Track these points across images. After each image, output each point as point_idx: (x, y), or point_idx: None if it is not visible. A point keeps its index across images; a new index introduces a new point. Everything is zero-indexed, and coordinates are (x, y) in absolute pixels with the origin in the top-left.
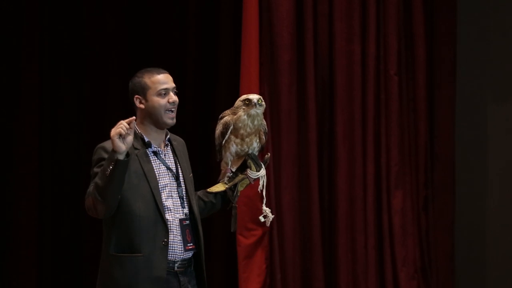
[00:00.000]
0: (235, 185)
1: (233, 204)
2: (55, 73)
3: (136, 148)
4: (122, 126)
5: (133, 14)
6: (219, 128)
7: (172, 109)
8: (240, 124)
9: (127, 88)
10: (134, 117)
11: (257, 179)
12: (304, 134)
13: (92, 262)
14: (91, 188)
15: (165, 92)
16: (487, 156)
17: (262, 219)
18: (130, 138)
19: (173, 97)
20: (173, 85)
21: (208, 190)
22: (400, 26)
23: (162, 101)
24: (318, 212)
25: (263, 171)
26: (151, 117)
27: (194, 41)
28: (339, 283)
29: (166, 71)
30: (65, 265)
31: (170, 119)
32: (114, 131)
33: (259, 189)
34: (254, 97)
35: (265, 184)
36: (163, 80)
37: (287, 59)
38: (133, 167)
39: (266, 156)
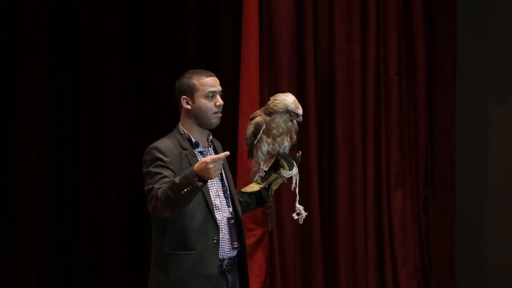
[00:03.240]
0: (269, 185)
1: (269, 204)
2: (55, 73)
3: (184, 148)
4: (221, 163)
5: (133, 14)
6: (250, 128)
7: (218, 112)
8: (273, 125)
9: (127, 88)
10: (228, 152)
11: (290, 178)
12: (304, 134)
13: (92, 262)
14: (158, 192)
15: (212, 95)
16: (487, 156)
17: (296, 217)
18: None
19: (220, 101)
20: (220, 88)
21: (243, 190)
22: (400, 26)
23: (210, 104)
24: (318, 212)
25: (295, 170)
26: (197, 118)
27: (194, 41)
28: (339, 283)
29: (214, 74)
30: (65, 265)
31: (216, 119)
32: (216, 167)
33: (292, 188)
34: (301, 112)
35: (298, 182)
36: (211, 83)
37: (287, 59)
38: (184, 167)
39: (298, 154)
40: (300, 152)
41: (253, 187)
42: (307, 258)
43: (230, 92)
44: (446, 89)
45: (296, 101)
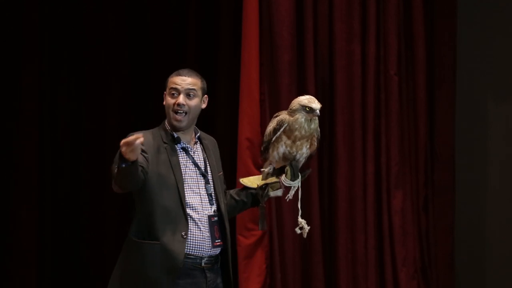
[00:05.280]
0: (266, 186)
1: (261, 204)
2: (55, 73)
3: (165, 143)
4: (138, 144)
5: (133, 14)
6: (272, 124)
7: (179, 111)
8: (296, 126)
9: (127, 88)
10: (141, 138)
11: (289, 188)
12: None
13: (92, 262)
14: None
15: (174, 92)
16: (487, 156)
17: (299, 231)
18: (138, 152)
19: (179, 99)
20: (187, 87)
21: (242, 180)
22: (400, 26)
23: (170, 101)
24: (318, 212)
25: (296, 183)
26: (167, 116)
27: (194, 41)
28: (339, 283)
29: (189, 74)
30: (65, 265)
31: (174, 120)
32: (129, 150)
33: (286, 198)
34: (317, 106)
35: (300, 196)
36: (177, 81)
37: (287, 59)
38: (162, 158)
39: (307, 170)
40: (310, 169)
41: (252, 182)
42: (307, 258)
43: (230, 92)
44: (446, 89)
45: (312, 98)
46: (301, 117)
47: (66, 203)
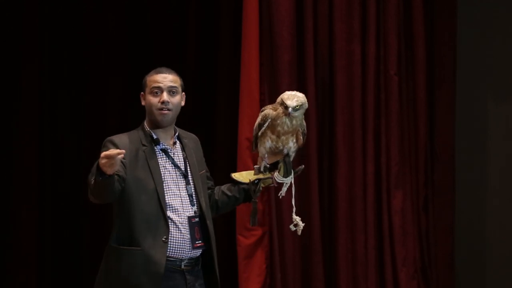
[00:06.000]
0: (259, 181)
1: (253, 200)
2: (55, 73)
3: (144, 145)
4: (119, 159)
5: (133, 14)
6: (258, 119)
7: (163, 108)
8: (278, 121)
9: (127, 89)
10: (123, 154)
11: (281, 184)
12: None
13: (92, 262)
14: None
15: (157, 91)
16: (487, 156)
17: (293, 228)
18: (117, 167)
19: (164, 97)
20: (169, 84)
21: (233, 175)
22: (400, 26)
23: (154, 100)
24: (318, 212)
25: (289, 179)
26: (148, 115)
27: (194, 41)
28: (339, 283)
29: (168, 72)
30: (65, 265)
31: (160, 116)
32: (108, 164)
33: (279, 195)
34: (292, 104)
35: (294, 193)
36: (157, 79)
37: (287, 59)
38: (140, 163)
39: (300, 167)
40: (303, 166)
41: (244, 178)
42: (307, 258)
43: (230, 92)
44: (446, 89)
45: (296, 94)
46: (281, 112)
47: (66, 203)
